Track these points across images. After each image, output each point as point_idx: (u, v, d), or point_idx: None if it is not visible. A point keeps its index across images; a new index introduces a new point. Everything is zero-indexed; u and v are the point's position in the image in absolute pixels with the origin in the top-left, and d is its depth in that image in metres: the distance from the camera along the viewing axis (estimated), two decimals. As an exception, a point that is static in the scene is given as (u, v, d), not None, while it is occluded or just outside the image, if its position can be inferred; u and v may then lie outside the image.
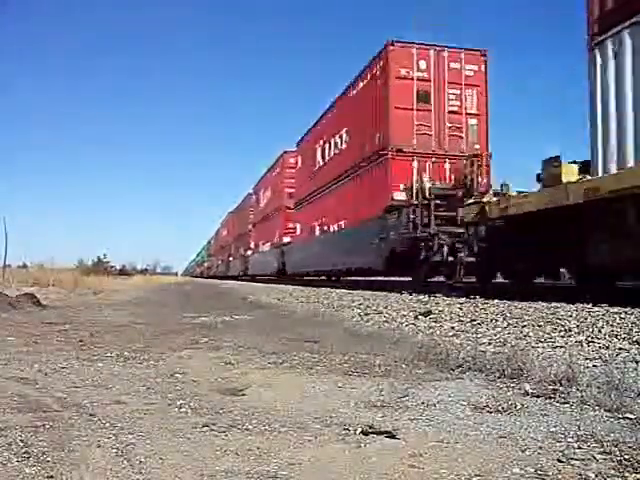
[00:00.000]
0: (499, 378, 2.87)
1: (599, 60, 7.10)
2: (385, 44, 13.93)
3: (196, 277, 77.43)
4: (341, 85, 18.10)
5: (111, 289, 17.64)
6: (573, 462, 1.67)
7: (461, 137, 13.72)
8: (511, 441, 1.89)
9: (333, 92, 19.20)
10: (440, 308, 6.63)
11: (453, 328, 4.98)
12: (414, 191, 12.57)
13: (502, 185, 10.42)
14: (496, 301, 7.11)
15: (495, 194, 10.31)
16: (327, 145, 19.31)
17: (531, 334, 4.27)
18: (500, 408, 2.31)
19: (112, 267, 37.62)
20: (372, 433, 2.00)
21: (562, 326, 4.52)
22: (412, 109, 13.60)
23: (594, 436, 1.90)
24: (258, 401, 2.52)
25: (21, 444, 1.84)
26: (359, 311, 7.22)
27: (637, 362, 3.05)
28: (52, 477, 1.58)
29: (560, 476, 1.57)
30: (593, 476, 1.56)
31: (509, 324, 4.88)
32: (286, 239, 25.60)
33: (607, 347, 3.58)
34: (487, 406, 2.35)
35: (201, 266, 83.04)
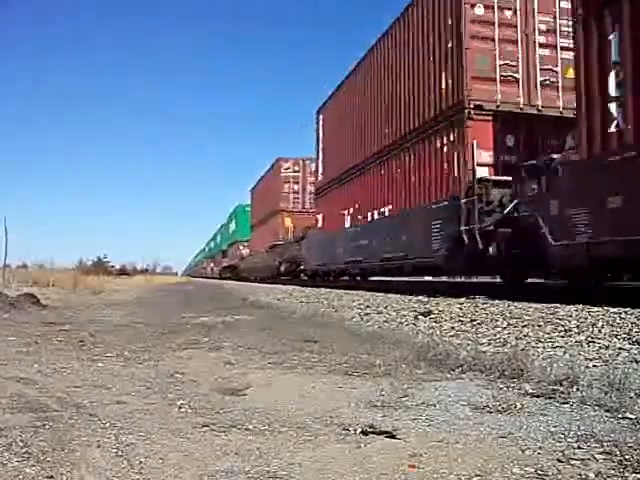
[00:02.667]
0: (499, 378, 2.87)
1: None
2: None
3: (209, 278, 50.70)
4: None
5: (111, 289, 17.63)
6: (573, 462, 1.67)
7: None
8: (511, 441, 1.89)
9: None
10: (440, 308, 6.63)
11: (453, 328, 4.98)
12: None
13: None
14: (496, 301, 7.10)
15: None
16: None
17: (531, 334, 4.27)
18: (500, 408, 2.31)
19: (112, 267, 37.64)
20: (372, 433, 2.00)
21: (562, 326, 4.51)
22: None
23: (594, 436, 1.90)
24: (258, 401, 2.52)
25: (21, 444, 1.84)
26: (359, 311, 7.21)
27: (637, 362, 3.05)
28: (52, 477, 1.58)
29: (560, 476, 1.57)
30: (593, 476, 1.56)
31: (509, 324, 4.87)
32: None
33: (607, 347, 3.57)
34: (487, 406, 2.35)
35: (220, 259, 46.49)
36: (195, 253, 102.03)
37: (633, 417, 2.10)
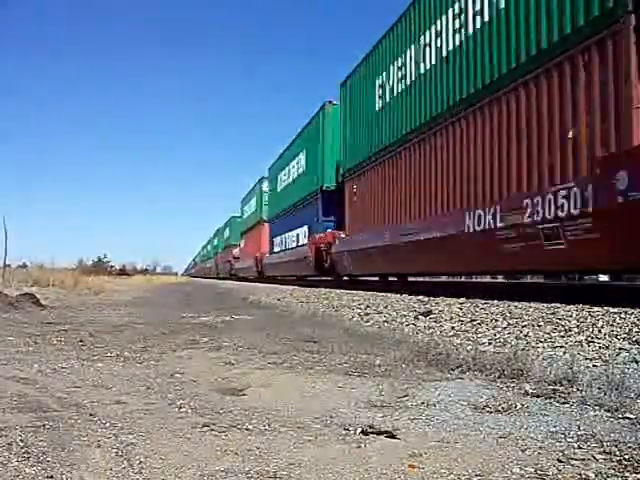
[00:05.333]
0: (499, 378, 2.87)
1: None
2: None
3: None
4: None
5: (111, 289, 17.64)
6: (573, 462, 1.67)
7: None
8: (511, 441, 1.89)
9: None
10: (440, 308, 6.63)
11: (453, 328, 4.98)
12: None
13: None
14: (496, 301, 7.10)
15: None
16: None
17: (531, 334, 4.27)
18: (500, 408, 2.31)
19: (112, 267, 37.65)
20: (372, 433, 2.00)
21: (562, 326, 4.51)
22: None
23: (594, 436, 1.90)
24: (258, 401, 2.52)
25: (21, 444, 1.84)
26: (359, 311, 7.21)
27: (637, 362, 3.05)
28: (52, 477, 1.58)
29: (560, 476, 1.57)
30: (593, 476, 1.56)
31: (509, 324, 4.87)
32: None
33: (607, 347, 3.57)
34: (487, 406, 2.35)
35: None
36: (204, 244, 70.47)
37: (633, 417, 2.10)
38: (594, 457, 1.71)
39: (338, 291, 12.62)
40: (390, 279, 13.92)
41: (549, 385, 2.63)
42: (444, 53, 9.82)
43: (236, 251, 35.14)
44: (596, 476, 1.56)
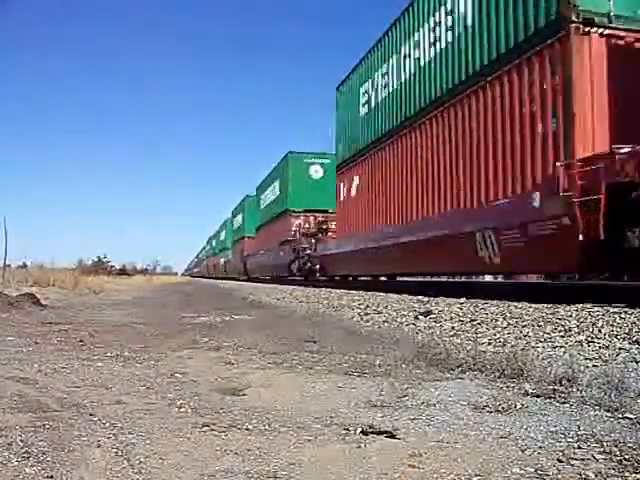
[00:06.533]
0: (499, 378, 2.87)
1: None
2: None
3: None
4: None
5: (111, 289, 17.64)
6: (573, 462, 1.67)
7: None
8: (511, 441, 1.89)
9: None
10: (440, 308, 6.63)
11: (453, 328, 4.98)
12: None
13: None
14: (496, 301, 7.10)
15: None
16: None
17: (531, 334, 4.27)
18: (500, 408, 2.30)
19: (112, 267, 37.60)
20: (372, 433, 2.00)
21: (562, 326, 4.51)
22: None
23: (594, 436, 1.90)
24: (258, 401, 2.52)
25: (21, 444, 1.84)
26: (359, 311, 7.21)
27: (637, 362, 3.05)
28: (52, 477, 1.58)
29: (560, 476, 1.57)
30: (593, 476, 1.56)
31: (509, 324, 4.87)
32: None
33: (607, 347, 3.57)
34: (487, 406, 2.35)
35: None
36: (211, 235, 60.58)
37: (633, 417, 2.10)
38: (594, 457, 1.71)
39: (338, 291, 12.61)
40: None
41: (549, 385, 2.63)
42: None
43: (299, 222, 20.81)
44: (596, 476, 1.56)
